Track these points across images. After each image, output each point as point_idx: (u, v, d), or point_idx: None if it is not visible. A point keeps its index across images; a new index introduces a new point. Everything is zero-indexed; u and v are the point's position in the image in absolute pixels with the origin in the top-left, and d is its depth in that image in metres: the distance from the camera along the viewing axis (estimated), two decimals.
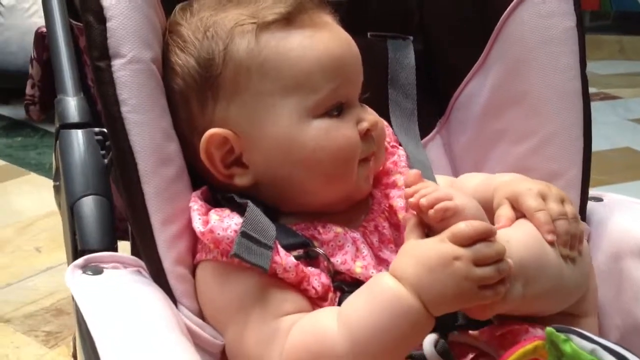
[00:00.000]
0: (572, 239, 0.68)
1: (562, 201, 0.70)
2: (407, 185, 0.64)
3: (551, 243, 0.66)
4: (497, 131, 0.87)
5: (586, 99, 0.83)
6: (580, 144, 0.82)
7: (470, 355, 0.65)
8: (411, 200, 0.62)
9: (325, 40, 0.70)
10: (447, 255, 0.58)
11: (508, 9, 0.84)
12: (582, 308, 0.72)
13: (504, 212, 0.69)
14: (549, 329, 0.51)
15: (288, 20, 0.70)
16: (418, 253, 0.60)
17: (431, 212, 0.60)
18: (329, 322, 0.61)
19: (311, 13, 0.71)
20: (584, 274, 0.70)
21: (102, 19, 0.70)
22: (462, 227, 0.59)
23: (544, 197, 0.69)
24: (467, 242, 0.58)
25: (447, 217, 0.60)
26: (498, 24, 0.85)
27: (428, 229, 0.63)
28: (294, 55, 0.69)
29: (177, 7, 0.76)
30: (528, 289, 0.62)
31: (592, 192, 0.85)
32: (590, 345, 0.50)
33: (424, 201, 0.61)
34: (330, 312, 0.63)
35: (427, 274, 0.58)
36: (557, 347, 0.51)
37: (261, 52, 0.69)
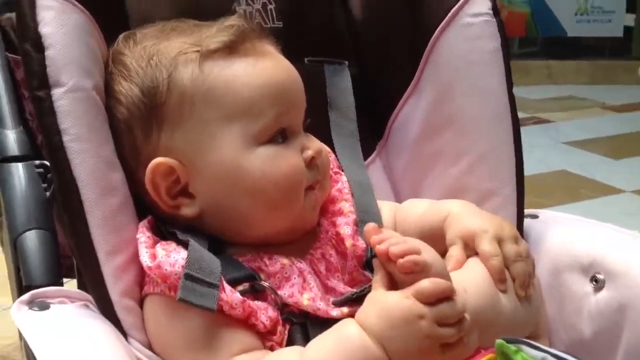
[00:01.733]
0: (528, 278, 0.70)
1: (516, 240, 0.72)
2: (368, 237, 0.63)
3: (503, 291, 0.68)
4: (433, 153, 0.89)
5: (514, 117, 0.85)
6: (512, 162, 0.84)
7: None
8: (379, 247, 0.61)
9: (267, 68, 0.71)
10: (412, 313, 0.59)
11: (436, 31, 0.86)
12: (534, 332, 0.74)
13: (455, 253, 0.71)
14: (499, 341, 0.53)
15: (231, 49, 0.70)
16: (383, 306, 0.60)
17: (401, 261, 0.60)
18: None
19: (254, 42, 0.72)
20: (536, 307, 0.72)
21: (40, 48, 0.69)
22: (427, 285, 0.59)
23: (499, 240, 0.71)
24: (431, 300, 0.59)
25: (416, 271, 0.60)
26: (428, 46, 0.87)
27: (393, 280, 0.63)
28: (237, 83, 0.69)
29: (120, 36, 0.76)
30: (483, 336, 0.63)
31: (527, 210, 0.87)
32: (540, 354, 0.52)
33: (394, 249, 0.60)
34: (293, 354, 0.63)
35: (391, 329, 0.59)
36: (509, 358, 0.52)
37: (205, 80, 0.69)
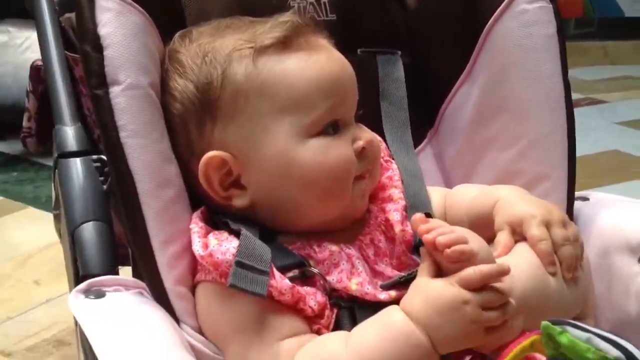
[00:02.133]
0: (575, 261, 0.70)
1: (564, 224, 0.72)
2: (415, 227, 0.64)
3: (552, 273, 0.69)
4: (486, 139, 0.89)
5: (569, 102, 0.85)
6: (564, 147, 0.84)
7: (467, 357, 0.66)
8: (427, 236, 0.62)
9: (321, 61, 0.72)
10: (457, 299, 0.60)
11: (491, 19, 0.86)
12: (581, 313, 0.74)
13: (503, 238, 0.72)
14: (544, 322, 0.53)
15: (285, 44, 0.72)
16: (429, 293, 0.62)
17: (448, 251, 0.61)
18: (338, 349, 0.63)
19: (307, 36, 0.73)
20: (583, 289, 0.72)
21: (99, 48, 0.72)
22: (470, 273, 0.61)
23: (547, 224, 0.71)
24: (475, 287, 0.61)
25: (462, 260, 0.61)
26: (482, 34, 0.87)
27: (439, 267, 0.64)
28: (290, 76, 0.71)
29: (176, 34, 0.78)
30: (531, 319, 0.64)
31: (578, 192, 0.87)
32: (585, 335, 0.52)
33: (441, 239, 0.61)
34: (338, 339, 0.65)
35: (436, 315, 0.61)
36: (554, 339, 0.53)
37: (259, 75, 0.71)
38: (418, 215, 0.65)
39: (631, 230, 0.78)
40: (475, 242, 0.63)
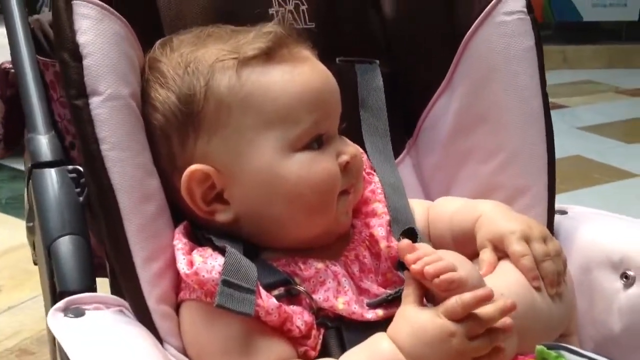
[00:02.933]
0: (557, 277, 0.70)
1: (544, 239, 0.72)
2: (402, 255, 0.64)
3: (537, 288, 0.69)
4: (465, 150, 0.88)
5: (547, 114, 0.85)
6: (544, 160, 0.84)
7: None
8: (414, 267, 0.62)
9: (305, 74, 0.71)
10: (443, 331, 0.60)
11: (470, 30, 0.86)
12: (565, 330, 0.74)
13: (487, 257, 0.72)
14: (539, 347, 0.53)
15: (268, 55, 0.70)
16: (415, 325, 0.62)
17: (436, 281, 0.61)
18: None
19: (291, 47, 0.72)
20: (569, 304, 0.72)
21: (78, 57, 0.69)
22: (453, 304, 0.60)
23: (527, 239, 0.71)
24: (460, 317, 0.60)
25: (452, 289, 0.61)
26: (462, 44, 0.87)
27: (425, 290, 0.64)
28: (275, 89, 0.69)
29: (157, 43, 0.75)
30: (523, 339, 0.64)
31: (556, 205, 0.88)
32: None
33: (429, 269, 0.61)
34: None
35: (424, 347, 0.61)
36: None
37: (242, 87, 0.69)
38: (405, 242, 0.64)
39: (612, 246, 0.79)
40: (464, 267, 0.63)
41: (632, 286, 0.76)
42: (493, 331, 0.61)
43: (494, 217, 0.75)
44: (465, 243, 0.75)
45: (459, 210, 0.80)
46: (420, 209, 0.82)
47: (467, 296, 0.60)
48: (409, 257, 0.63)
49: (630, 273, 0.76)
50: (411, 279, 0.64)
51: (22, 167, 0.84)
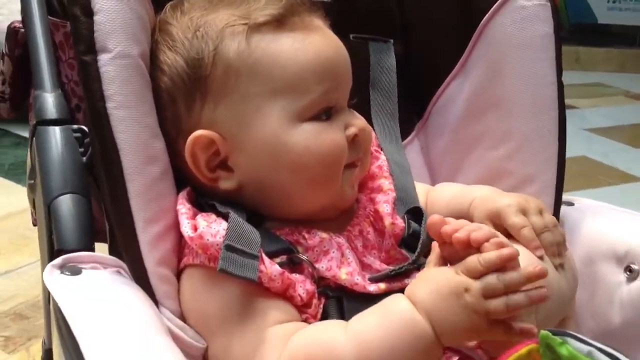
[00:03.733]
0: (558, 247, 0.69)
1: (540, 212, 0.71)
2: (435, 229, 0.62)
3: (540, 258, 0.67)
4: (475, 135, 0.87)
5: (561, 104, 0.84)
6: (554, 149, 0.83)
7: (455, 359, 0.66)
8: (458, 235, 0.60)
9: (316, 43, 0.69)
10: (459, 286, 0.59)
11: (489, 12, 0.85)
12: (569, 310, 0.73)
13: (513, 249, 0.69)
14: (544, 332, 0.52)
15: (279, 22, 0.69)
16: (433, 281, 0.60)
17: (487, 244, 0.59)
18: (337, 335, 0.61)
19: (303, 16, 0.70)
20: (574, 274, 0.71)
21: (89, 12, 0.68)
22: (474, 261, 0.59)
23: (524, 212, 0.70)
24: (478, 274, 0.59)
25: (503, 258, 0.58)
26: (479, 27, 0.86)
27: (446, 262, 0.62)
28: (285, 57, 0.68)
29: (168, 5, 0.74)
30: (539, 314, 0.62)
31: (563, 197, 0.87)
32: (586, 348, 0.51)
33: (478, 234, 0.59)
34: (337, 325, 0.63)
35: (440, 302, 0.59)
36: (553, 350, 0.51)
37: (252, 54, 0.68)
38: (436, 217, 0.62)
39: (618, 239, 0.78)
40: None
41: (635, 280, 0.75)
42: (512, 293, 0.58)
43: (489, 196, 0.74)
44: None
45: (456, 195, 0.79)
46: (420, 192, 0.81)
47: (490, 254, 0.59)
48: (446, 229, 0.61)
49: (635, 267, 0.75)
50: (436, 248, 0.62)
51: (26, 134, 0.83)
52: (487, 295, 0.58)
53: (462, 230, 0.60)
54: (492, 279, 0.58)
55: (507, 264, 0.59)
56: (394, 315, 0.60)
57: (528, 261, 0.65)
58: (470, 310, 0.58)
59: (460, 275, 0.59)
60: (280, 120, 0.68)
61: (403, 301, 0.61)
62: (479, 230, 0.60)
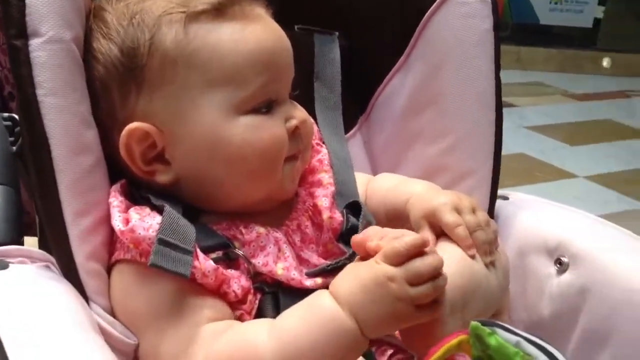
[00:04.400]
0: (489, 246, 0.69)
1: (474, 210, 0.71)
2: (356, 248, 0.63)
3: (472, 257, 0.67)
4: (414, 131, 0.88)
5: (499, 100, 0.85)
6: (491, 145, 0.84)
7: (389, 352, 0.66)
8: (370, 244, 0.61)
9: (257, 33, 0.68)
10: (381, 275, 0.58)
11: (431, 8, 0.85)
12: (500, 305, 0.74)
13: (426, 236, 0.69)
14: (473, 323, 0.52)
15: (219, 11, 0.67)
16: (355, 274, 0.60)
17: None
18: (260, 335, 0.60)
19: (243, 5, 0.69)
20: (505, 271, 0.71)
21: None
22: (394, 245, 0.59)
23: (458, 210, 0.70)
24: (399, 260, 0.58)
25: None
26: (420, 23, 0.86)
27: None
28: (223, 47, 0.66)
29: None
30: (466, 313, 0.62)
31: (498, 191, 0.88)
32: (514, 338, 0.51)
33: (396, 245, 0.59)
34: (262, 325, 0.62)
35: (362, 294, 0.58)
36: (482, 340, 0.52)
37: (189, 43, 0.66)
38: (358, 237, 0.63)
39: (549, 232, 0.79)
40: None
41: (564, 272, 0.77)
42: (436, 277, 0.59)
43: (425, 195, 0.74)
44: (396, 220, 0.74)
45: (393, 187, 0.79)
46: (360, 182, 0.81)
47: (407, 238, 0.59)
48: (370, 245, 0.61)
49: (565, 259, 0.77)
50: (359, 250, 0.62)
51: None
52: (412, 282, 0.58)
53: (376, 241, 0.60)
54: (417, 263, 0.58)
55: (422, 249, 0.59)
56: (316, 312, 0.60)
57: (460, 259, 0.66)
58: (395, 298, 0.58)
59: (381, 264, 0.59)
60: (218, 113, 0.67)
61: (326, 297, 0.60)
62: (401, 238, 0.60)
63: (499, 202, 0.87)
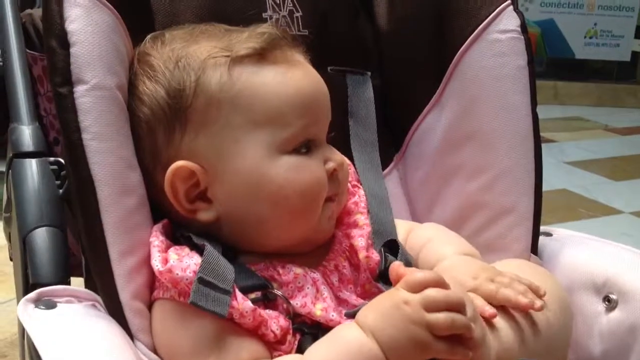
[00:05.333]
0: (526, 293, 0.68)
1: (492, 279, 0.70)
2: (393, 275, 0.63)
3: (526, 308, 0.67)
4: (452, 167, 0.88)
5: (537, 135, 0.85)
6: (531, 180, 0.84)
7: None
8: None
9: (297, 77, 0.70)
10: (398, 300, 0.59)
11: (463, 46, 0.86)
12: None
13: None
14: None
15: (261, 56, 0.69)
16: (379, 301, 0.61)
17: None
18: None
19: (284, 50, 0.71)
20: (565, 312, 0.71)
21: (65, 44, 0.68)
22: (415, 274, 0.60)
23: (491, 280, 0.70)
24: (418, 289, 0.59)
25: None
26: (454, 60, 0.87)
27: None
28: (266, 90, 0.68)
29: (148, 36, 0.75)
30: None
31: (541, 228, 0.87)
32: None
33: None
34: (294, 359, 0.62)
35: (382, 319, 0.59)
36: None
37: (233, 85, 0.68)
38: (396, 264, 0.64)
39: (596, 268, 0.78)
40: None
41: (614, 310, 0.75)
42: (457, 311, 0.59)
43: (453, 268, 0.73)
44: None
45: (426, 250, 0.78)
46: (402, 230, 0.81)
47: (429, 271, 0.61)
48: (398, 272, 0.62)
49: (613, 297, 0.76)
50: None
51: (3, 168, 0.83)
52: (427, 308, 0.58)
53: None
54: (432, 291, 0.59)
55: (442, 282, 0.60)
56: (343, 342, 0.60)
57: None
58: (410, 321, 0.58)
59: (400, 290, 0.60)
60: (260, 153, 0.68)
61: (352, 326, 0.61)
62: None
63: (542, 239, 0.86)
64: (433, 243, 0.79)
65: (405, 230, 0.81)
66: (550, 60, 3.80)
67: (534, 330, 0.68)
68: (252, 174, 0.68)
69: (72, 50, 0.68)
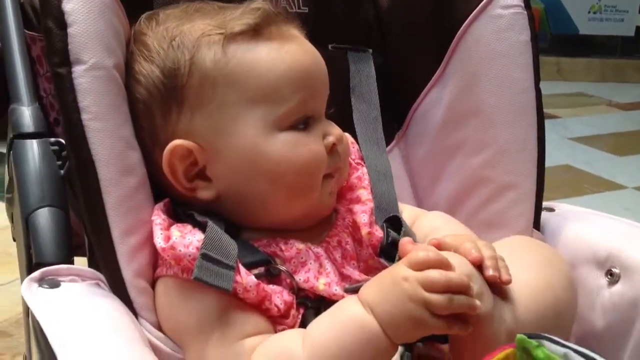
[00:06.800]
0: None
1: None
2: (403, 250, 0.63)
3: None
4: (454, 144, 0.88)
5: (540, 111, 0.85)
6: (534, 156, 0.84)
7: None
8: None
9: (292, 52, 0.70)
10: (397, 275, 0.59)
11: (465, 22, 0.85)
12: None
13: None
14: (519, 336, 0.51)
15: (256, 32, 0.69)
16: (381, 277, 0.61)
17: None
18: (295, 345, 0.61)
19: (279, 25, 0.71)
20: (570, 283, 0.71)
21: (63, 25, 0.68)
22: (418, 252, 0.60)
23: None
24: (419, 267, 0.59)
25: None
26: (456, 36, 0.86)
27: None
28: (261, 66, 0.68)
29: (143, 16, 0.74)
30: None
31: (544, 203, 0.87)
32: (562, 350, 0.51)
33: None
34: (296, 334, 0.63)
35: (381, 294, 0.60)
36: (529, 353, 0.51)
37: (228, 63, 0.68)
38: (406, 239, 0.64)
39: (599, 242, 0.78)
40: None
41: (616, 284, 0.75)
42: (457, 292, 0.58)
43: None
44: None
45: (431, 235, 0.77)
46: (407, 214, 0.80)
47: (433, 250, 0.60)
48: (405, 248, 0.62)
49: (616, 270, 0.76)
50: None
51: (4, 150, 0.83)
52: (426, 287, 0.58)
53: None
54: (433, 272, 0.59)
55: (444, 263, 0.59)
56: (344, 317, 0.61)
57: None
58: (406, 297, 0.58)
59: (400, 266, 0.60)
60: (257, 129, 0.68)
61: (353, 302, 0.61)
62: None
63: (545, 215, 0.86)
64: (439, 232, 0.77)
65: (410, 216, 0.81)
66: (553, 36, 3.77)
67: (545, 305, 0.68)
68: (249, 151, 0.68)
69: (70, 30, 0.68)
